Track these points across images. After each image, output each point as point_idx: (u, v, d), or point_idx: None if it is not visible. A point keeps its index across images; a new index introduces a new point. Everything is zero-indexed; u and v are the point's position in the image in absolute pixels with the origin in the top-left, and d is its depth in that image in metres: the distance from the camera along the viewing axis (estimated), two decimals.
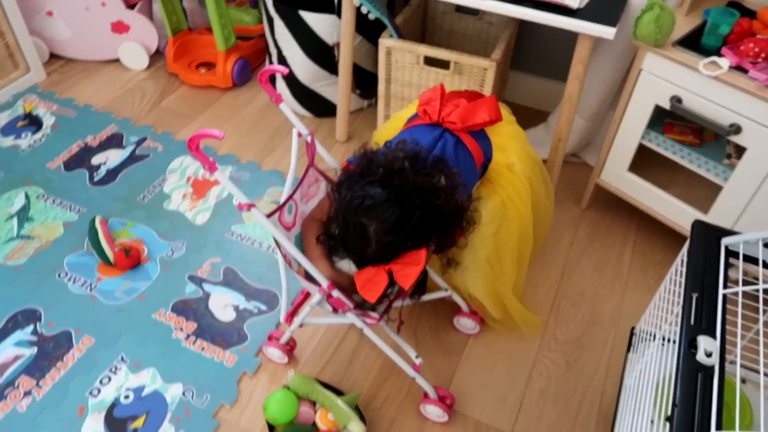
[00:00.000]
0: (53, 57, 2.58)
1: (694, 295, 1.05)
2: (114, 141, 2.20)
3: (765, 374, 1.24)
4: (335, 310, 1.36)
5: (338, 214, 1.17)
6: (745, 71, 1.45)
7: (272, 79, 2.34)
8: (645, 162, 1.78)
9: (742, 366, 1.32)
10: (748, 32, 1.52)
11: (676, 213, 1.73)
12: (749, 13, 1.60)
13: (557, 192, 2.01)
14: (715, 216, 1.63)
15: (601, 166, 1.84)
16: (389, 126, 1.54)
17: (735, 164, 1.56)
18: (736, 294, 1.00)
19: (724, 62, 1.47)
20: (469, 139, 1.31)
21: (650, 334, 1.34)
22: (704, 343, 0.96)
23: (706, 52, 1.52)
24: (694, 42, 1.56)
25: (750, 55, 1.45)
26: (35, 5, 2.43)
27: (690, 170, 1.68)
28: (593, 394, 1.53)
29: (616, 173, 1.81)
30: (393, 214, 1.09)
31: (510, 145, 1.42)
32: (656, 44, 1.53)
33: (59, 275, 1.74)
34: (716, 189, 1.62)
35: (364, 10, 1.91)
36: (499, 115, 1.35)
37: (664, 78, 1.57)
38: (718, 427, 0.86)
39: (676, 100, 1.56)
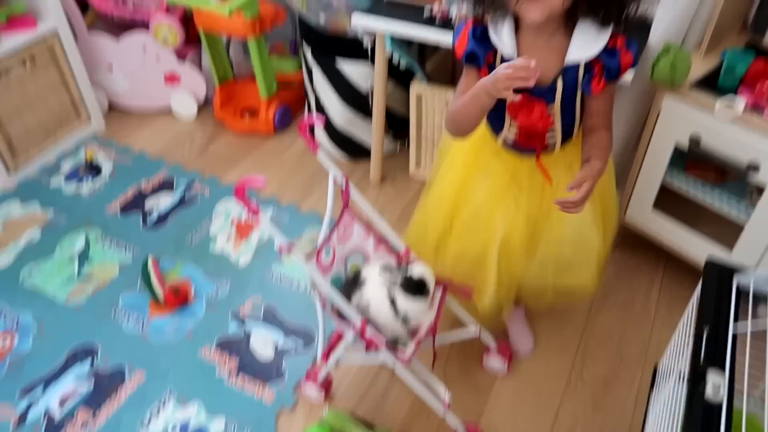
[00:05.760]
0: (112, 107, 2.80)
1: (705, 331, 1.09)
2: (165, 185, 2.37)
3: None
4: (368, 348, 1.44)
5: None
6: (761, 111, 1.48)
7: (311, 127, 2.47)
8: (670, 199, 1.80)
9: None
10: (765, 73, 1.55)
11: (701, 251, 1.75)
12: (766, 54, 1.63)
13: None
14: (739, 254, 1.64)
15: (625, 206, 1.87)
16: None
17: (757, 202, 1.58)
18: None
19: (740, 102, 1.51)
20: None
21: (671, 371, 1.36)
22: (712, 377, 0.99)
23: (723, 92, 1.56)
24: (711, 82, 1.60)
25: (765, 95, 1.48)
26: (98, 61, 2.66)
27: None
28: None
29: (641, 212, 1.84)
30: None
31: None
32: (673, 86, 1.59)
33: (114, 314, 1.88)
34: (740, 228, 1.64)
35: (395, 59, 2.03)
36: None
37: (683, 118, 1.61)
38: None
39: (695, 139, 1.60)
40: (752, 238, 1.61)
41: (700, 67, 1.64)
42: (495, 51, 1.24)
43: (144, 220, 2.22)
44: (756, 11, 1.76)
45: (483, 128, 1.41)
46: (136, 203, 2.29)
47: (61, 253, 2.09)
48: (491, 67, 1.20)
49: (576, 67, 1.20)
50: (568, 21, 1.18)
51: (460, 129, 1.32)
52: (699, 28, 1.73)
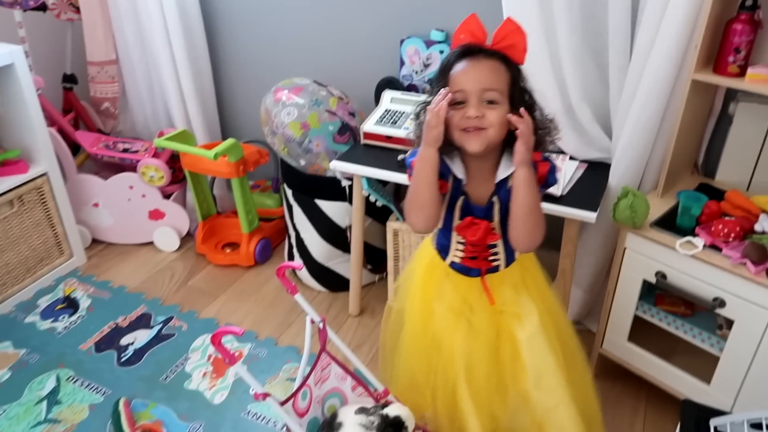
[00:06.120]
0: (95, 240, 2.83)
1: None
2: (143, 321, 2.35)
3: None
4: None
5: None
6: (719, 249, 1.56)
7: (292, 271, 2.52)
8: (646, 330, 1.83)
9: None
10: (718, 213, 1.66)
11: (679, 383, 1.76)
12: (718, 194, 1.75)
13: None
14: (717, 387, 1.65)
15: (602, 337, 1.90)
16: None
17: (727, 335, 1.62)
18: None
19: (699, 242, 1.59)
20: None
21: None
22: None
23: (682, 231, 1.65)
24: (670, 222, 1.69)
25: (721, 235, 1.57)
26: (84, 198, 2.73)
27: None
28: None
29: (617, 343, 1.87)
30: None
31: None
32: (634, 226, 1.67)
33: None
34: (715, 358, 1.66)
35: (372, 198, 2.13)
36: None
37: (647, 255, 1.69)
38: None
39: (661, 275, 1.67)
40: (728, 371, 1.62)
41: (658, 208, 1.75)
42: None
43: (119, 358, 2.18)
44: (704, 156, 1.92)
45: (433, 252, 1.48)
46: (112, 340, 2.26)
47: (29, 394, 2.02)
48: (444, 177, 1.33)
49: (505, 181, 1.33)
50: (502, 153, 1.34)
51: (420, 206, 1.32)
52: (654, 171, 1.86)
